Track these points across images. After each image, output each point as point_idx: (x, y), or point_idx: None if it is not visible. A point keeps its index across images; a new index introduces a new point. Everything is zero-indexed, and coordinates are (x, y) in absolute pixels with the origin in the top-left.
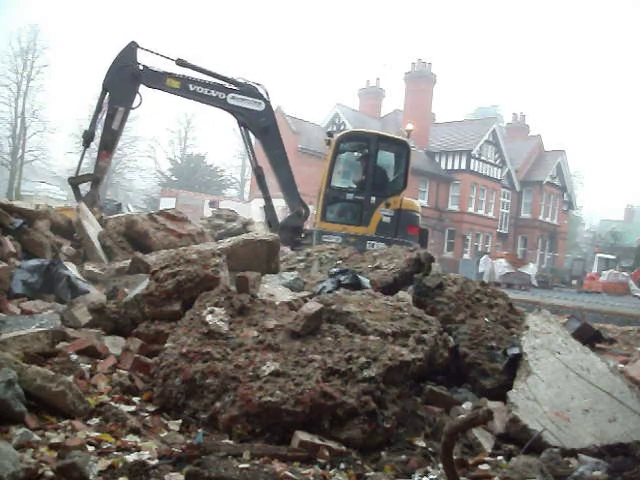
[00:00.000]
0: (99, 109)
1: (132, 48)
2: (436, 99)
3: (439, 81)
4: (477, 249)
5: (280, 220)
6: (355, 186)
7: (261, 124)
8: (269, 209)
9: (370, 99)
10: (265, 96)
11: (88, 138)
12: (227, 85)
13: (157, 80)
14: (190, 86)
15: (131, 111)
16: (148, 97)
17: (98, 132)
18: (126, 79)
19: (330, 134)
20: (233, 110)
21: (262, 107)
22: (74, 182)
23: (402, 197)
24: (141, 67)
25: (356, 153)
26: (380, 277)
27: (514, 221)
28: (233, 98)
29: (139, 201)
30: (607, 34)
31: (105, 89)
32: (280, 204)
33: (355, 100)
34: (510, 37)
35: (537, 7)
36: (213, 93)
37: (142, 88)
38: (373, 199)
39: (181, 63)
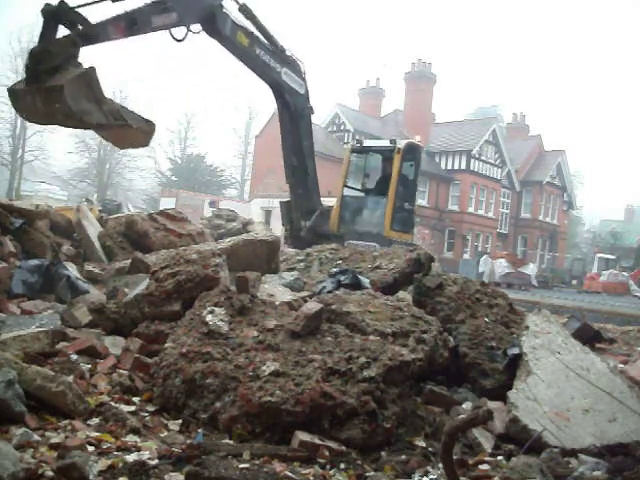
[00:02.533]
0: None
1: None
2: (436, 99)
3: (439, 81)
4: (477, 249)
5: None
6: (408, 196)
7: (303, 108)
8: (296, 207)
9: (370, 99)
10: (305, 78)
11: None
12: (282, 56)
13: (228, 27)
14: (257, 48)
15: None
16: (148, 99)
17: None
18: (201, 2)
19: (393, 141)
20: (283, 87)
21: (303, 90)
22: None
23: None
24: (220, 2)
25: (410, 163)
26: (380, 277)
27: (514, 221)
28: (286, 73)
29: (139, 201)
30: (607, 34)
31: None
32: (274, 204)
33: (355, 100)
34: (510, 37)
35: (537, 7)
36: (272, 63)
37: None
38: (414, 208)
39: (245, 11)
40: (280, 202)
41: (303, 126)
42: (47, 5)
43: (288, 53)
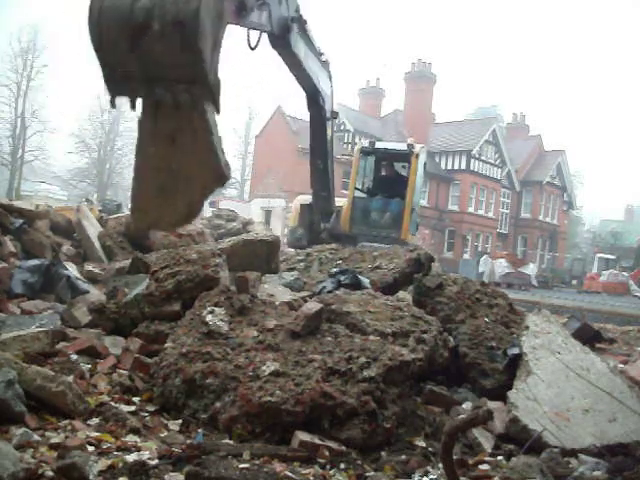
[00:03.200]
0: None
1: None
2: (436, 99)
3: (439, 81)
4: (477, 249)
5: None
6: (421, 198)
7: (330, 110)
8: (319, 209)
9: (370, 99)
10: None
11: None
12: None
13: (295, 40)
14: (310, 59)
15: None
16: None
17: None
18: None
19: (411, 145)
20: (319, 93)
21: (330, 91)
22: None
23: None
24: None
25: (424, 166)
26: (380, 277)
27: (514, 221)
28: (322, 78)
29: None
30: (607, 34)
31: None
32: (280, 204)
33: (355, 100)
34: (510, 37)
35: (537, 7)
36: (316, 69)
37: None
38: (417, 209)
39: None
40: (301, 205)
41: (330, 128)
42: None
43: (323, 58)
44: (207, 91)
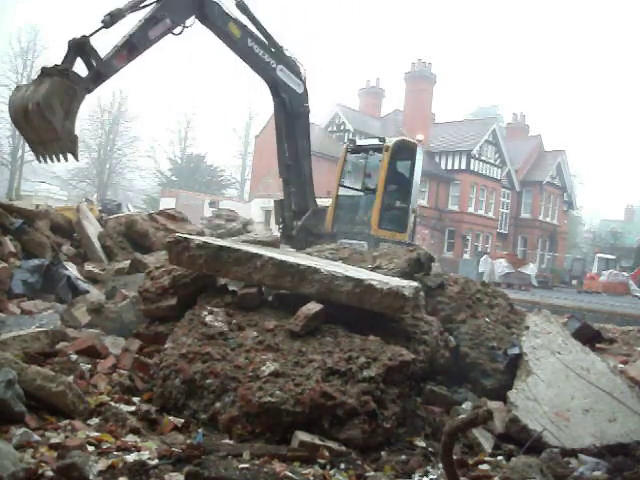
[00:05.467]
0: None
1: None
2: (436, 99)
3: (439, 81)
4: (477, 249)
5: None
6: (401, 193)
7: (299, 107)
8: (288, 207)
9: (370, 99)
10: (304, 78)
11: (114, 18)
12: (278, 53)
13: (220, 18)
14: (249, 40)
15: (172, 32)
16: (147, 100)
17: (124, 23)
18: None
19: (382, 139)
20: (278, 84)
21: (301, 90)
22: (81, 44)
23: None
24: None
25: (405, 161)
26: None
27: (514, 221)
28: (282, 71)
29: (139, 201)
30: (607, 34)
31: None
32: (269, 205)
33: (355, 100)
34: (510, 37)
35: (537, 7)
36: (266, 57)
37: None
38: (411, 207)
39: (241, 7)
40: (274, 201)
41: (299, 126)
42: (73, 38)
43: (288, 53)
44: (64, 145)
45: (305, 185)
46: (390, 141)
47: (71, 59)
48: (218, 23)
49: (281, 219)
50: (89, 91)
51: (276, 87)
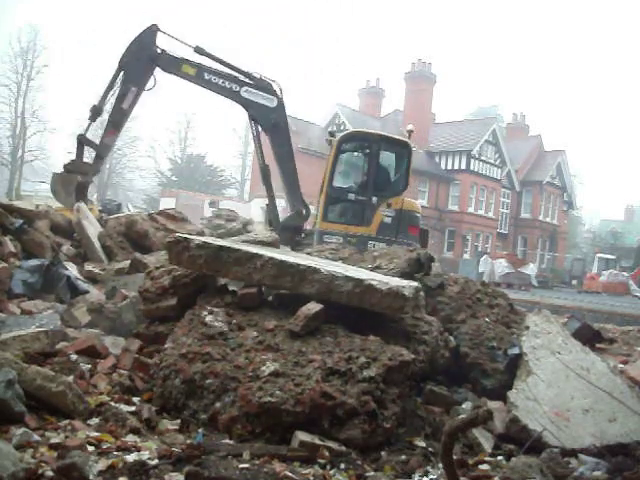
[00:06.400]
0: (111, 86)
1: (152, 31)
2: (436, 99)
3: (439, 81)
4: (477, 249)
5: (281, 220)
6: (356, 186)
7: (271, 120)
8: (272, 208)
9: (370, 99)
10: (278, 93)
11: (96, 113)
12: (242, 78)
13: (174, 65)
14: (205, 75)
15: (143, 92)
16: (149, 99)
17: (107, 109)
18: (143, 60)
19: (332, 134)
20: (245, 103)
21: (274, 104)
22: (82, 140)
23: (403, 197)
24: (159, 51)
25: (357, 153)
26: None
27: (514, 221)
28: (247, 91)
29: (139, 201)
30: (607, 34)
31: (120, 68)
32: (280, 204)
33: (355, 100)
34: (510, 37)
35: (537, 7)
36: (227, 84)
37: (158, 72)
38: (374, 199)
39: (199, 51)
40: (261, 208)
41: (276, 137)
42: (78, 135)
43: (256, 75)
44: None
45: (289, 187)
46: (336, 134)
47: (79, 152)
48: (173, 70)
49: (268, 221)
50: (97, 172)
51: (244, 106)
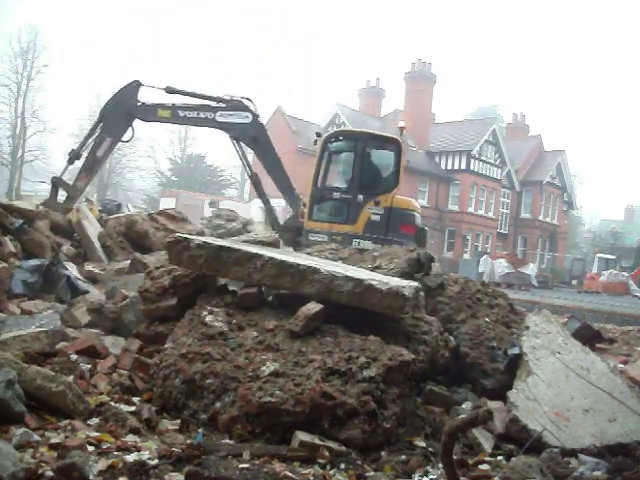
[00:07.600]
0: (91, 134)
1: (134, 86)
2: (436, 99)
3: (439, 81)
4: (477, 249)
5: (281, 221)
6: (342, 185)
7: (250, 135)
8: (269, 212)
9: (370, 99)
10: (251, 108)
11: (73, 157)
12: (214, 104)
13: (150, 113)
14: (179, 112)
15: (119, 143)
16: (147, 100)
17: (85, 154)
18: (121, 114)
19: (319, 134)
20: (222, 127)
21: (249, 119)
22: (56, 182)
23: (393, 195)
24: (138, 104)
25: (343, 152)
26: None
27: (514, 221)
28: (221, 115)
29: (139, 201)
30: (607, 34)
31: (100, 119)
32: (279, 204)
33: (355, 100)
34: (510, 37)
35: (537, 7)
36: (202, 114)
37: (138, 121)
38: (360, 197)
39: (169, 90)
40: (261, 208)
41: (259, 149)
42: (54, 177)
43: (227, 97)
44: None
45: (284, 192)
46: (321, 134)
47: (53, 193)
48: (151, 118)
49: (270, 224)
50: (68, 211)
51: (222, 129)
